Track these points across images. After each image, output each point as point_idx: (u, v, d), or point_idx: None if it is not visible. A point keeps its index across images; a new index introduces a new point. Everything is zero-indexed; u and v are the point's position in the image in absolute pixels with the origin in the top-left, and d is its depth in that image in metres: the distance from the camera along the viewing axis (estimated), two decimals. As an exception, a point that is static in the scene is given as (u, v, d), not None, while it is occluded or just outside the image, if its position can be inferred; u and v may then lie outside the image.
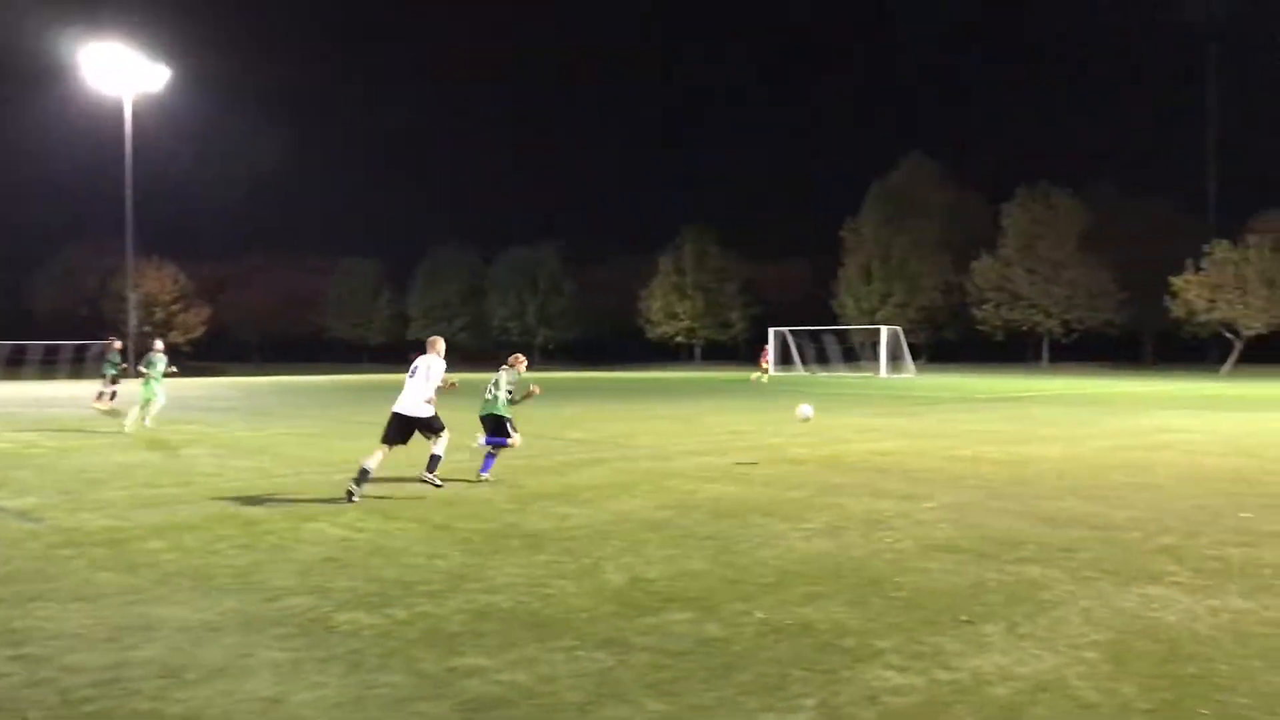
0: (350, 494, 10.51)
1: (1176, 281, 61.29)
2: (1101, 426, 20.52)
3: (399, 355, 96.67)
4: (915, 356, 75.98)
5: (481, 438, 12.41)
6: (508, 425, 12.27)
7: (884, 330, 60.89)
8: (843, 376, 58.20)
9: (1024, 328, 71.07)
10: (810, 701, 4.68)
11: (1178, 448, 16.04)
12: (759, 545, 8.25)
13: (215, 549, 8.14)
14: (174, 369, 20.12)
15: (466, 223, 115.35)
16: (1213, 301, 60.07)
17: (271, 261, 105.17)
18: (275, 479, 12.43)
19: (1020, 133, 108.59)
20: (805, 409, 16.59)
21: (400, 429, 11.12)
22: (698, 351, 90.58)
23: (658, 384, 47.16)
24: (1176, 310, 61.64)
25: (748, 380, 46.88)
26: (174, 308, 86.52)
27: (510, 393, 12.36)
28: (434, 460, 11.31)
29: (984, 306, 71.38)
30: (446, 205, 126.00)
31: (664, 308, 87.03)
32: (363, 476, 10.65)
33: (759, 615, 6.13)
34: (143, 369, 19.33)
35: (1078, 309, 69.63)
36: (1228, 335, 61.34)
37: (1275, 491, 11.12)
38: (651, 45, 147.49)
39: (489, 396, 12.37)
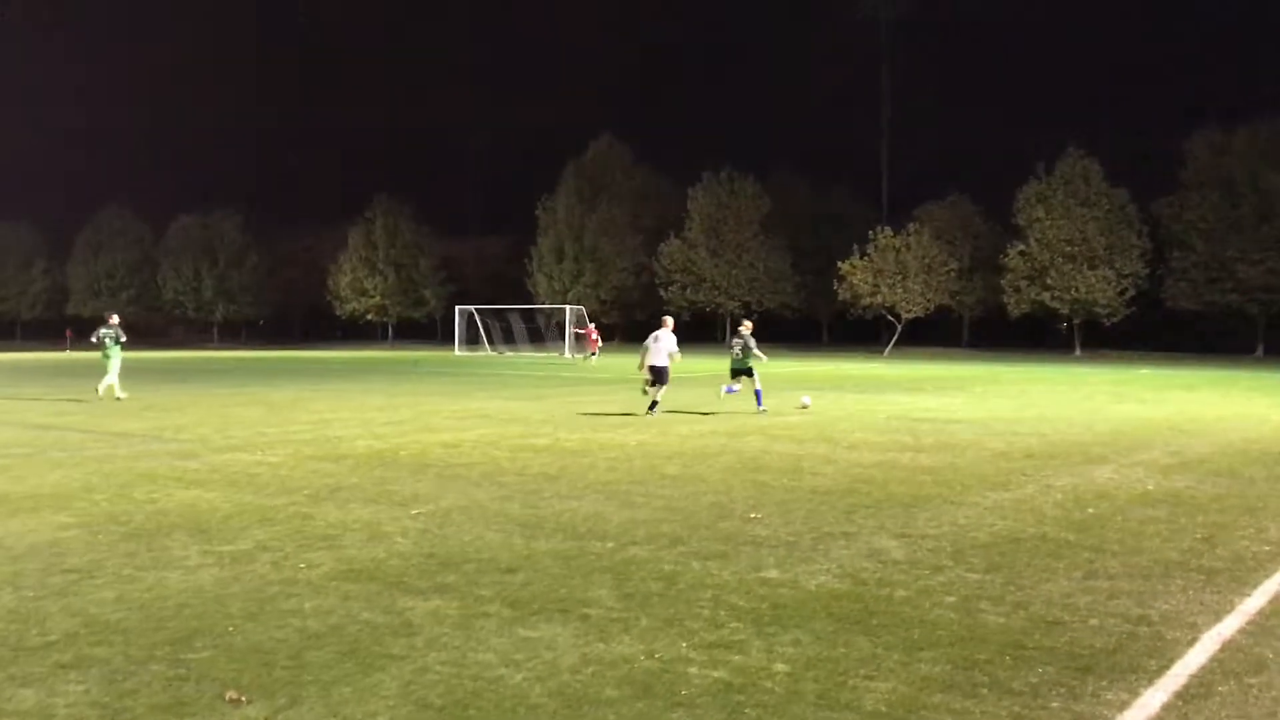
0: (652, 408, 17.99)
1: (843, 266, 64.24)
2: (723, 407, 20.00)
3: (57, 331, 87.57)
4: (609, 338, 76.24)
5: (724, 387, 19.42)
6: (750, 374, 18.78)
7: (569, 310, 60.29)
8: (528, 357, 57.21)
9: (708, 309, 72.60)
10: None
11: (768, 432, 15.49)
12: (124, 580, 6.41)
13: None
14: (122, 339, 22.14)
15: (135, 186, 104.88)
16: (875, 286, 63.31)
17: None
18: None
19: (710, 118, 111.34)
20: (805, 399, 20.00)
21: (657, 375, 18.21)
22: (390, 330, 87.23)
23: (316, 365, 44.26)
24: (843, 294, 64.62)
25: (582, 361, 44.89)
26: None
27: (746, 350, 18.73)
28: (654, 404, 18.13)
29: (670, 288, 72.37)
30: (111, 164, 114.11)
31: (353, 283, 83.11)
32: (653, 406, 17.99)
33: (-66, 707, 4.29)
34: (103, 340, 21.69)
35: (758, 291, 71.80)
36: (890, 318, 64.90)
37: (811, 486, 10.38)
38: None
39: (737, 354, 18.89)
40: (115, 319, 22.42)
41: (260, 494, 9.66)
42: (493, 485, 10.20)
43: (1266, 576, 6.69)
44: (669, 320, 19.24)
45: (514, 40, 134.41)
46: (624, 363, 44.49)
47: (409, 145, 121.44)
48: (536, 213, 78.73)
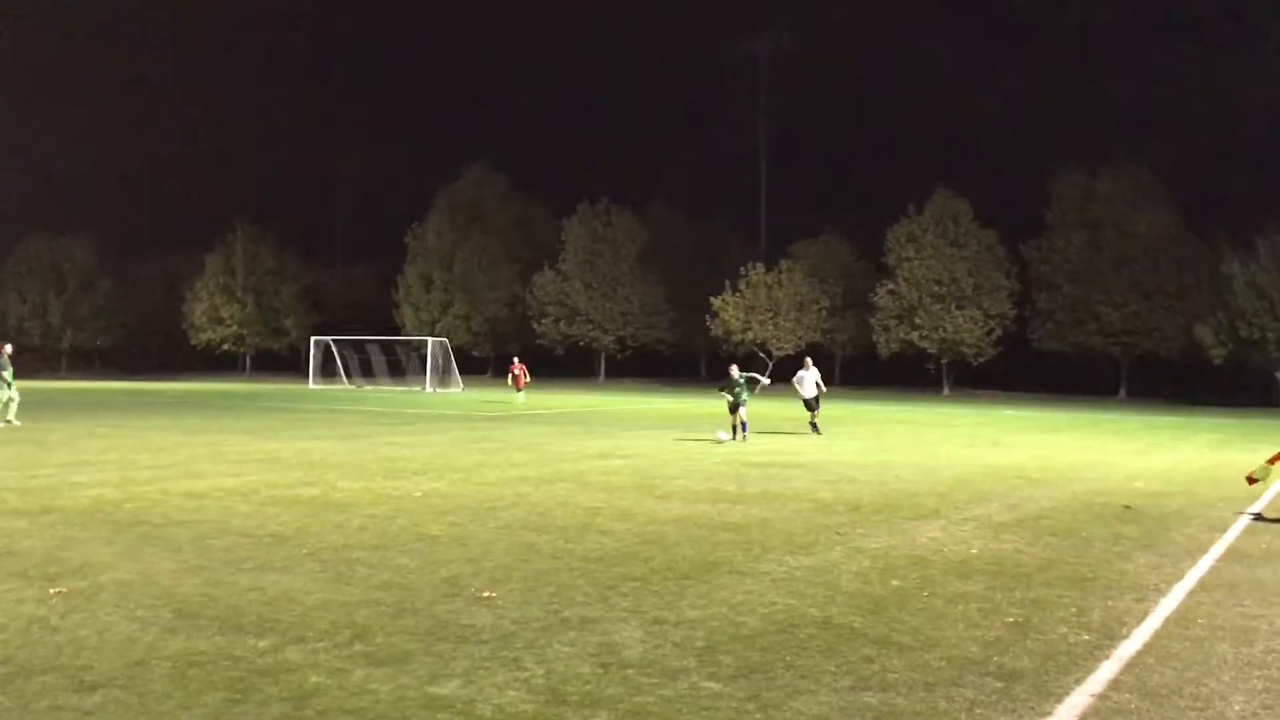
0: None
1: (715, 301, 63.45)
2: (551, 449, 18.48)
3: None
4: (482, 370, 74.07)
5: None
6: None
7: (430, 342, 58.11)
8: (388, 390, 54.87)
9: (581, 343, 71.05)
10: None
11: (585, 478, 13.97)
12: None
13: None
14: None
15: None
16: (747, 323, 62.66)
17: None
18: None
19: (589, 149, 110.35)
20: (722, 435, 21.35)
21: (806, 404, 23.89)
22: (247, 361, 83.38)
23: (147, 397, 41.31)
24: (715, 330, 63.82)
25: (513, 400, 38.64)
26: None
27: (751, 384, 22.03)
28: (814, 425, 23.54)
29: (544, 320, 70.63)
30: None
31: (209, 311, 79.20)
32: (814, 427, 23.46)
33: None
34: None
35: (632, 325, 70.57)
36: (761, 355, 64.29)
37: (588, 549, 8.84)
38: (206, 28, 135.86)
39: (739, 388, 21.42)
40: (8, 349, 22.98)
41: (-117, 564, 7.69)
42: (194, 550, 8.41)
43: (1075, 683, 5.35)
44: (809, 360, 25.18)
45: (385, 64, 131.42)
46: (496, 399, 42.47)
47: (276, 169, 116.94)
48: (406, 240, 76.29)
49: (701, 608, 6.81)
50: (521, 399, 38.87)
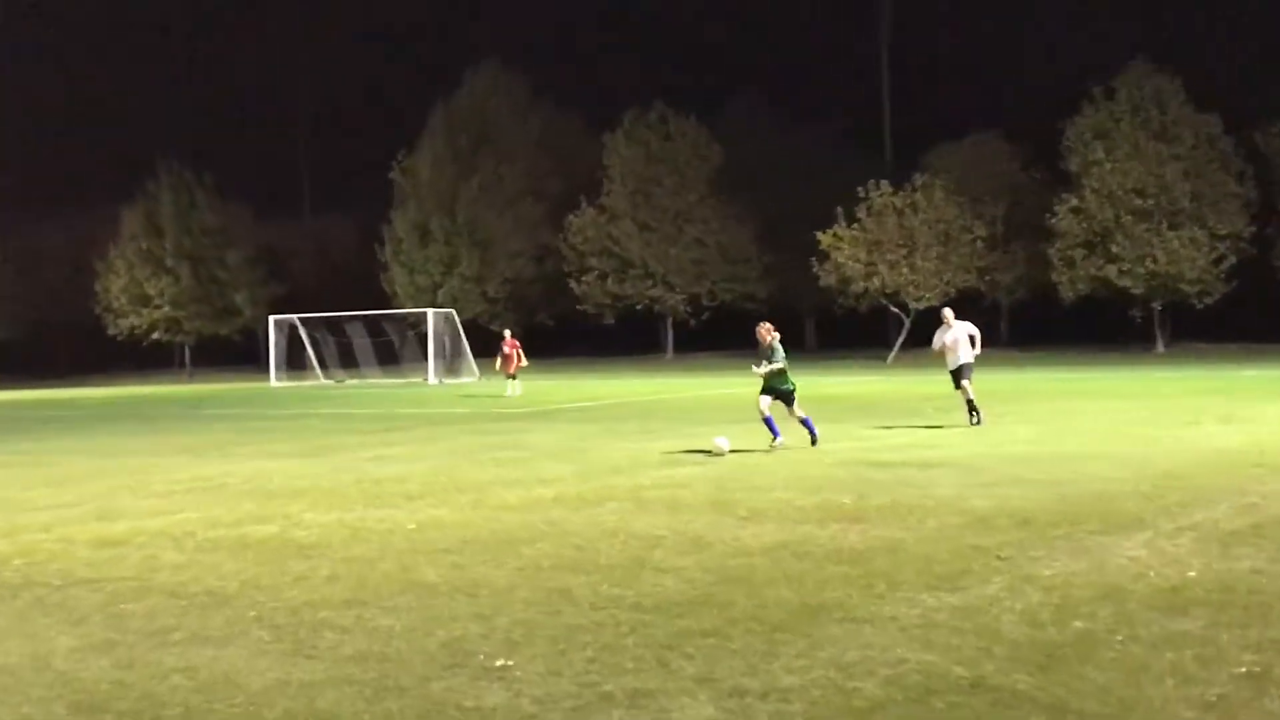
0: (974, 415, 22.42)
1: (825, 238, 63.06)
2: (596, 457, 18.70)
3: None
4: (489, 352, 74.71)
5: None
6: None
7: (432, 316, 58.73)
8: (378, 384, 55.71)
9: (639, 306, 71.23)
10: None
11: (644, 494, 14.14)
12: None
13: None
14: None
15: None
16: (871, 265, 62.29)
17: None
18: None
19: (637, 37, 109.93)
20: (721, 441, 18.71)
21: (955, 376, 22.74)
22: (186, 353, 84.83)
23: (51, 409, 42.34)
24: (826, 278, 63.55)
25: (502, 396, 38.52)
26: None
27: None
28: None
29: (586, 278, 70.87)
30: None
31: (130, 288, 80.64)
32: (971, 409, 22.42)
33: None
34: None
35: (708, 278, 70.61)
36: (894, 309, 64.01)
37: (642, 595, 8.90)
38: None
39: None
40: None
41: None
42: (103, 620, 8.61)
43: (1335, 760, 5.23)
44: (949, 313, 23.59)
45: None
46: (529, 390, 42.91)
47: (214, 91, 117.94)
48: (391, 176, 76.97)
49: (800, 671, 6.80)
50: (509, 390, 38.76)
